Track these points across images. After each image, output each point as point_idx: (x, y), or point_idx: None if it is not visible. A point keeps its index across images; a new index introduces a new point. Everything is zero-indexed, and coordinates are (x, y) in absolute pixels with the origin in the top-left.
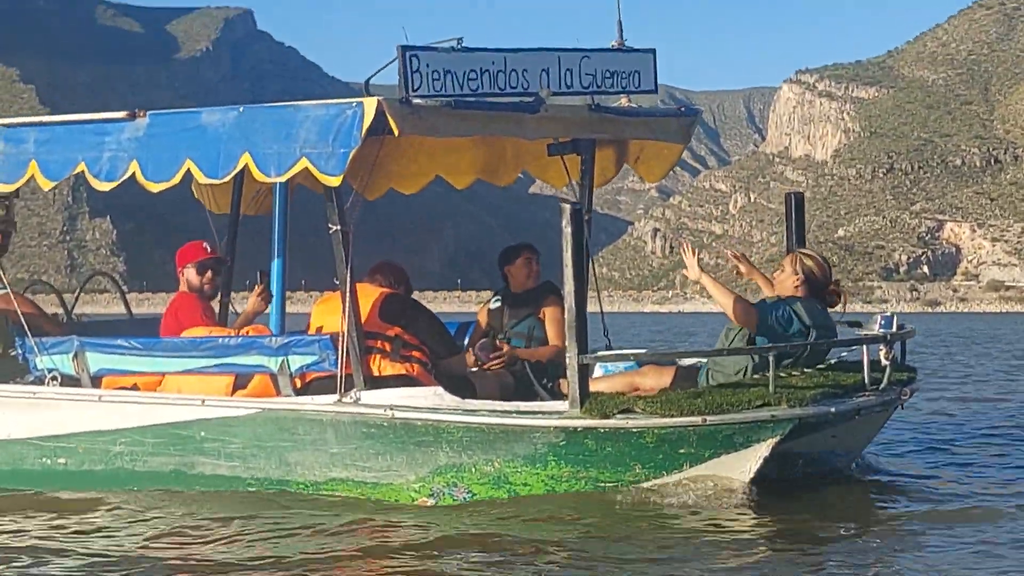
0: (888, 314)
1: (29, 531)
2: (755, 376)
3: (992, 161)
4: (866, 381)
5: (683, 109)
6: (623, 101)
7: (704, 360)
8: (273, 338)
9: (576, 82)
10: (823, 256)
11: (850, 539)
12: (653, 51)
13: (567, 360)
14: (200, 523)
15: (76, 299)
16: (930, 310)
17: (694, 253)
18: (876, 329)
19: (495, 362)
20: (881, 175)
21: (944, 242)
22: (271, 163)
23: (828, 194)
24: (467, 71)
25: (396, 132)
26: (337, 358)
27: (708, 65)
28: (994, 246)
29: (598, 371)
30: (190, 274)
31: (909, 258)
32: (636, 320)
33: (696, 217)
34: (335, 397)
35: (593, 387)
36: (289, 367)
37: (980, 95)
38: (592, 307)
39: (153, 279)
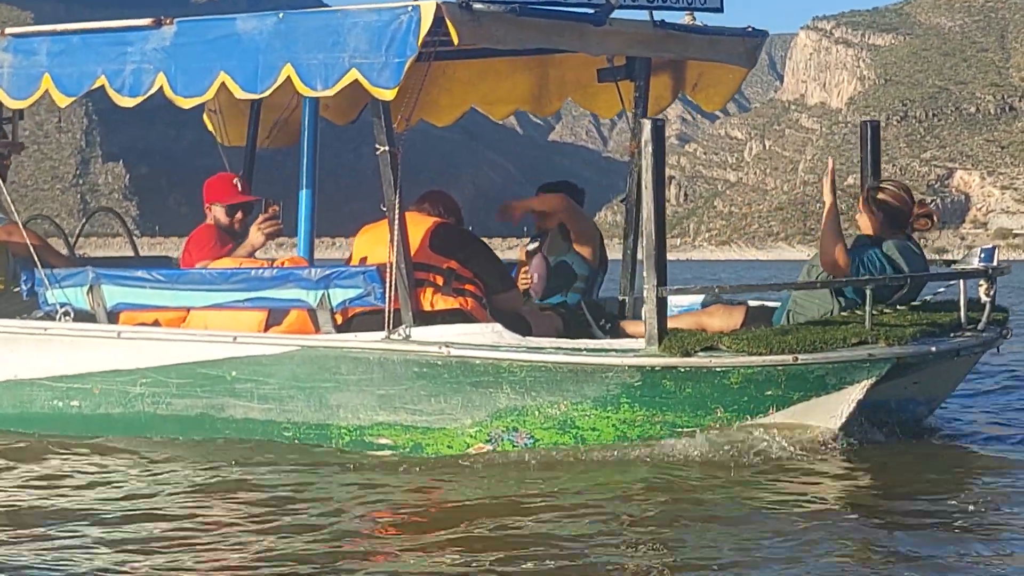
0: (989, 247)
1: (31, 483)
2: (842, 315)
3: (1007, 109)
4: (963, 320)
5: (751, 28)
6: (687, 19)
7: (779, 301)
8: (312, 269)
9: None
10: (900, 183)
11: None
12: None
13: (645, 293)
14: (221, 479)
15: (78, 235)
16: (937, 257)
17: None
18: (976, 263)
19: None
20: (895, 123)
21: (954, 190)
22: (316, 75)
23: (841, 142)
24: None
25: (455, 40)
26: (384, 291)
27: (732, 8)
28: (1003, 194)
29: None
30: (219, 213)
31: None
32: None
33: (711, 165)
34: (383, 334)
35: (635, 329)
36: (330, 301)
37: (996, 42)
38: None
39: (167, 223)
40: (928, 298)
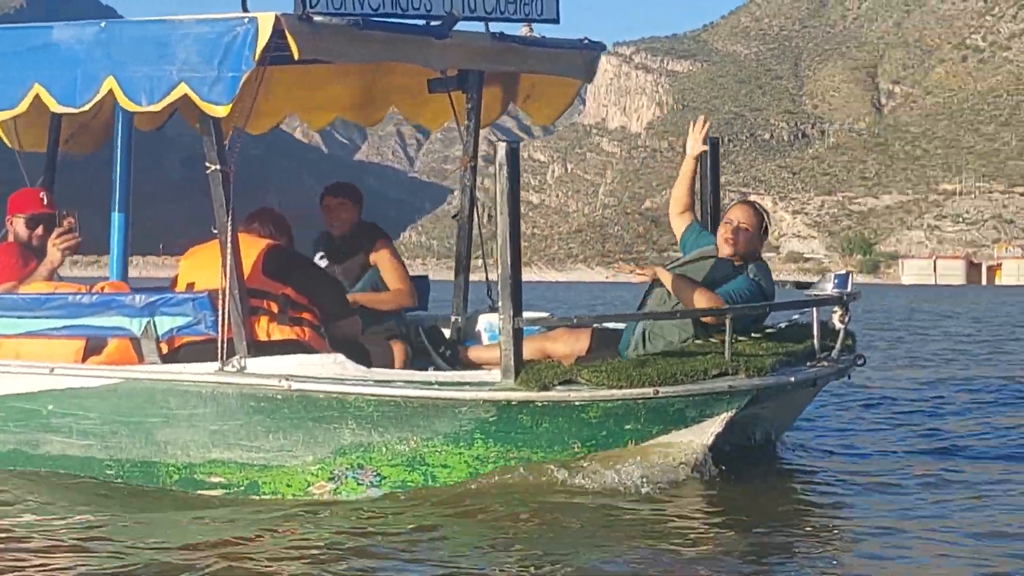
0: (843, 272)
1: None
2: (698, 343)
3: (800, 136)
4: (816, 348)
5: (587, 40)
6: (524, 30)
7: (623, 324)
8: (136, 295)
9: (479, 5)
10: (757, 203)
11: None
12: None
13: (500, 323)
14: (44, 509)
15: None
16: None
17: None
18: (830, 289)
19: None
20: None
21: None
22: (141, 88)
23: (640, 166)
24: None
25: (296, 54)
26: (216, 319)
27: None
28: (795, 218)
29: (484, 337)
30: (19, 225)
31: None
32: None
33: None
34: (215, 365)
35: (485, 355)
36: (156, 330)
37: (790, 70)
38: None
39: None
40: (782, 325)
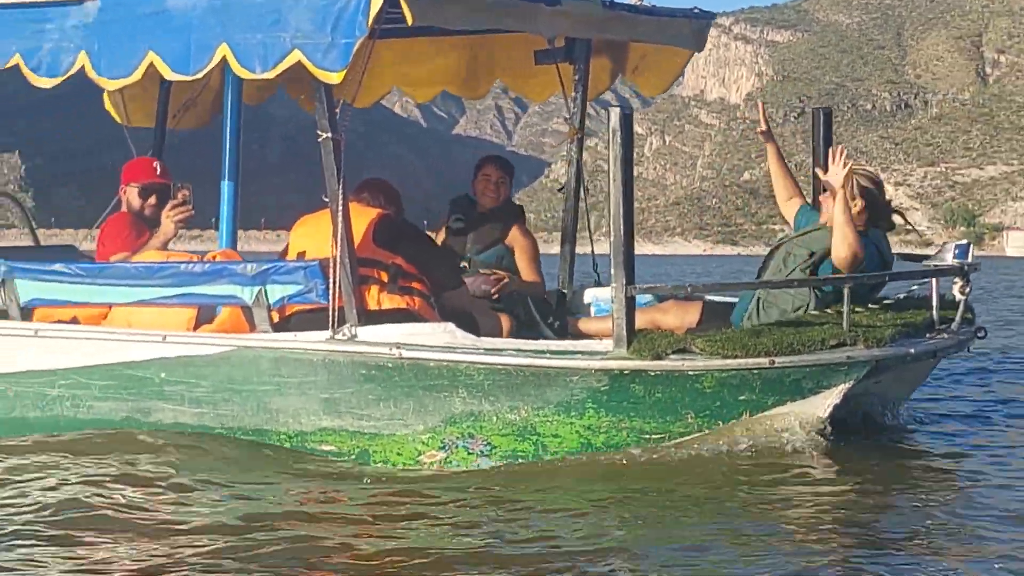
0: (963, 242)
1: None
2: (814, 313)
3: (903, 106)
4: (935, 319)
5: (697, 10)
6: None
7: (737, 296)
8: (248, 264)
9: None
10: (875, 172)
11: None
12: None
13: (612, 292)
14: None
15: None
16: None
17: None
18: (950, 259)
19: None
20: (793, 119)
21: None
22: (255, 55)
23: (740, 137)
24: None
25: (409, 20)
26: (327, 288)
27: None
28: (897, 190)
29: (591, 311)
30: (131, 195)
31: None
32: (553, 261)
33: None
34: (326, 333)
35: (594, 326)
36: (267, 298)
37: (893, 40)
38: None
39: (63, 216)
40: (901, 296)
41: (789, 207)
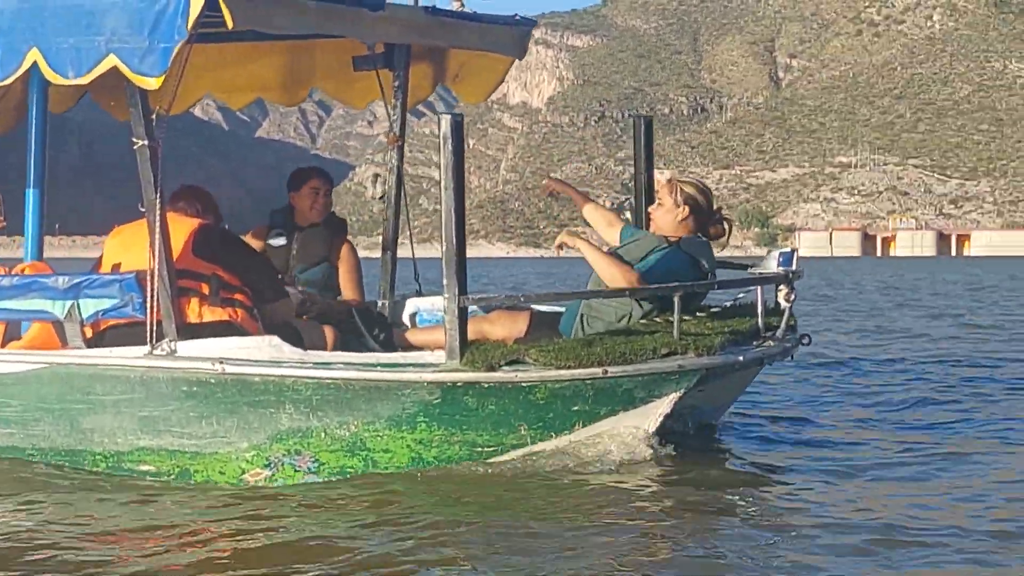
0: (787, 250)
1: None
2: (642, 322)
3: (699, 110)
4: (760, 326)
5: (518, 16)
6: (455, 5)
7: (566, 306)
8: (59, 277)
9: None
10: (702, 181)
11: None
12: None
13: (445, 302)
14: None
15: None
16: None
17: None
18: (774, 267)
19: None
20: (593, 123)
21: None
22: (67, 60)
23: (542, 141)
24: None
25: (230, 24)
26: (145, 301)
27: None
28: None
29: (411, 322)
30: None
31: (613, 204)
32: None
33: (416, 163)
34: (144, 349)
35: (422, 338)
36: (80, 313)
37: (689, 45)
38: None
39: None
40: (727, 304)
41: (612, 233)
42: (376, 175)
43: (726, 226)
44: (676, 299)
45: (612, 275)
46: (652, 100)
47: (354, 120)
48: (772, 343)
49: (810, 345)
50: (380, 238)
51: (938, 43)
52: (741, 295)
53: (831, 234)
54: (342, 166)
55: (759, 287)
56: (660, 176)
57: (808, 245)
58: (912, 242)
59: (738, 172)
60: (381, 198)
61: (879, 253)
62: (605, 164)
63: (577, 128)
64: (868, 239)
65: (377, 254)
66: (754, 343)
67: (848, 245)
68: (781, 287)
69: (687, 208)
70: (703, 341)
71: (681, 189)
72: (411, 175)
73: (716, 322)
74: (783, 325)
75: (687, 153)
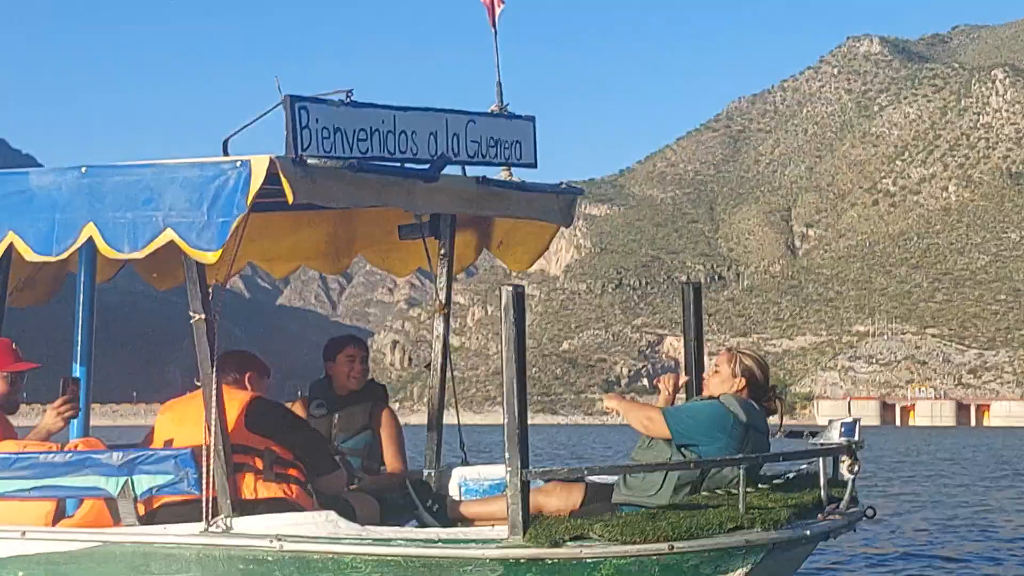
0: (849, 420)
1: None
2: (704, 495)
3: (716, 278)
4: (824, 498)
5: (563, 185)
6: (503, 174)
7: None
8: (114, 453)
9: (462, 149)
10: (760, 355)
11: None
12: (533, 119)
13: (507, 476)
14: None
15: None
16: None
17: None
18: (837, 437)
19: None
20: (611, 290)
21: (663, 355)
22: (124, 234)
23: (559, 308)
24: (356, 130)
25: (290, 198)
26: (200, 477)
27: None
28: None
29: (458, 493)
30: None
31: (630, 371)
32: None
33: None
34: (199, 526)
35: (476, 510)
36: (134, 489)
37: (706, 214)
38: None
39: None
40: (790, 475)
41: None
42: (395, 342)
43: (777, 404)
44: (741, 472)
45: (635, 418)
46: (669, 268)
47: (374, 287)
48: (837, 516)
49: (874, 518)
50: (404, 403)
51: (954, 214)
52: (803, 466)
53: (849, 403)
54: (363, 332)
55: (821, 458)
56: (677, 343)
57: (826, 414)
58: (932, 412)
59: (755, 340)
60: (427, 366)
61: (898, 422)
62: (622, 331)
63: (595, 295)
64: (887, 408)
65: (404, 418)
66: (818, 516)
67: (867, 414)
68: (843, 458)
69: (743, 379)
70: (769, 515)
71: (741, 360)
72: (428, 340)
73: (780, 494)
74: (847, 497)
75: (705, 321)
